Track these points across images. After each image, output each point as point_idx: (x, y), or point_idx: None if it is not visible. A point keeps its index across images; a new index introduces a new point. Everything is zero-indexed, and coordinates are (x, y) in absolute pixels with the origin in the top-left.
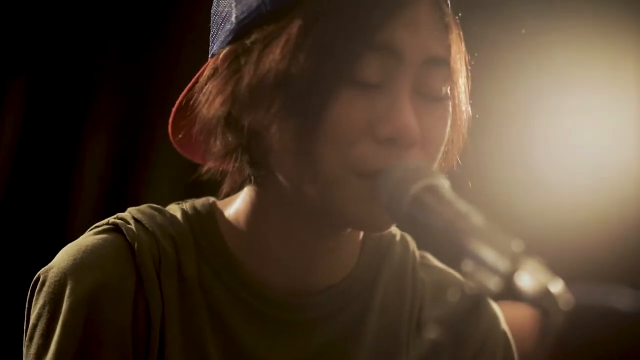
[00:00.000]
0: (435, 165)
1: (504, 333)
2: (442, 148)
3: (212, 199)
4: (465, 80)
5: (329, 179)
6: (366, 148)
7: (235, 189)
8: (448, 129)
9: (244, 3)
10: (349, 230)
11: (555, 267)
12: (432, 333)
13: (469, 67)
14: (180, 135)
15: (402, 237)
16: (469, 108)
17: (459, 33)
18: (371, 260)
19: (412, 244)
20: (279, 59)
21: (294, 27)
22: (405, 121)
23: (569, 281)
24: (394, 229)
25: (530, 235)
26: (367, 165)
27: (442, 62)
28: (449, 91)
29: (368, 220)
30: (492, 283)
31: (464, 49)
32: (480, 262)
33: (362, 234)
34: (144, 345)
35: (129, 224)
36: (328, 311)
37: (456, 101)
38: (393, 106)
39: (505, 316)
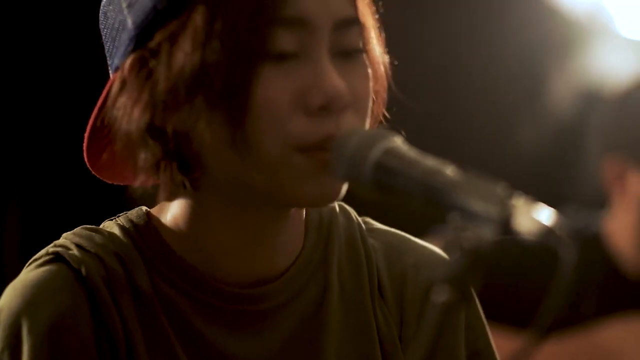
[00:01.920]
0: (367, 121)
1: None
2: (370, 103)
3: (144, 208)
4: (377, 31)
5: (271, 161)
6: (301, 121)
7: (170, 198)
8: (371, 83)
9: (138, 7)
10: (293, 210)
11: None
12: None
13: (378, 16)
14: (99, 160)
15: (342, 207)
16: (386, 58)
17: None
18: (318, 237)
19: (353, 212)
20: (192, 52)
21: (198, 16)
22: (334, 85)
23: None
24: None
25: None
26: (306, 138)
27: (353, 21)
28: (363, 46)
29: (318, 194)
30: (489, 233)
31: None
32: (470, 215)
33: (304, 213)
34: None
35: (70, 249)
36: (287, 296)
37: (372, 54)
38: (317, 73)
39: None
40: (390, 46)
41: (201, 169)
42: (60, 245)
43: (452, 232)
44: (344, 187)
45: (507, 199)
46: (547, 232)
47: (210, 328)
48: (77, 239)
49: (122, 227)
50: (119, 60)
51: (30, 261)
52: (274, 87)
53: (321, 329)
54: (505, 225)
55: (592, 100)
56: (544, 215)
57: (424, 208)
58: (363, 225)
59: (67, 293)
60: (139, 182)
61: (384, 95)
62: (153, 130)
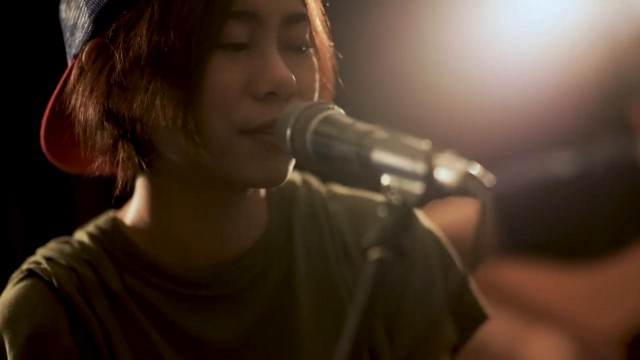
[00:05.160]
0: None
1: (429, 231)
2: (316, 93)
3: (112, 213)
4: (324, 25)
5: (219, 143)
6: (248, 107)
7: (129, 181)
8: (317, 76)
9: None
10: (250, 191)
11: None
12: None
13: (325, 11)
14: (57, 145)
15: (303, 179)
16: (332, 51)
17: None
18: (280, 212)
19: (314, 182)
20: (148, 38)
21: (154, 6)
22: (281, 73)
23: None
24: (292, 175)
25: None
26: (252, 123)
27: (301, 17)
28: (310, 40)
29: (264, 175)
30: (415, 188)
31: None
32: (397, 172)
33: (263, 192)
34: None
35: (41, 264)
36: (255, 274)
37: (320, 48)
38: (266, 63)
39: (446, 223)
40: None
41: (156, 151)
42: (33, 262)
43: (384, 191)
44: (290, 167)
45: (430, 153)
46: (467, 179)
47: (183, 316)
48: (48, 253)
49: (90, 235)
50: (77, 48)
51: (9, 280)
52: (224, 74)
53: (293, 300)
54: (429, 178)
55: None
56: (468, 165)
57: (360, 171)
58: (324, 194)
59: (42, 305)
60: (97, 167)
61: (330, 86)
62: (110, 114)
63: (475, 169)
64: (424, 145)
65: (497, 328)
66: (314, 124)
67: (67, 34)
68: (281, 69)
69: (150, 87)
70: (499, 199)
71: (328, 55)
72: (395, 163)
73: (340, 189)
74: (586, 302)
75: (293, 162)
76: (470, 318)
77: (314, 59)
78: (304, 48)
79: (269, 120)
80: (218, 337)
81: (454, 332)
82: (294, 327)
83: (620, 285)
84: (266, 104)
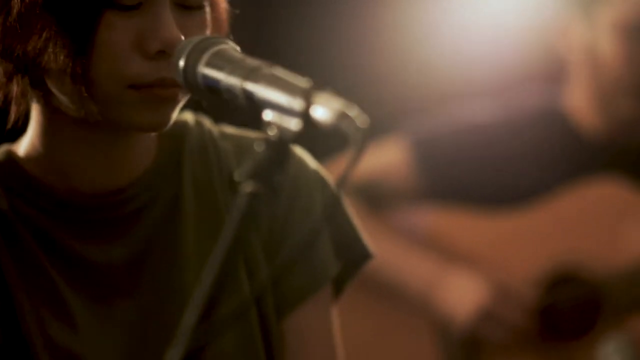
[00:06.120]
0: None
1: (316, 172)
2: None
3: (6, 146)
4: None
5: (106, 96)
6: (138, 65)
7: (22, 115)
8: (209, 32)
9: None
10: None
11: None
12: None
13: None
14: None
15: (196, 119)
16: (227, 6)
17: None
18: (170, 146)
19: (207, 122)
20: None
21: None
22: (170, 33)
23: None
24: (186, 115)
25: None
26: (142, 79)
27: None
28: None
29: (149, 123)
30: (292, 124)
31: None
32: (277, 108)
33: None
34: None
35: None
36: (142, 202)
37: (214, 4)
38: (157, 22)
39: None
40: None
41: (47, 87)
42: None
43: (264, 126)
44: (174, 114)
45: (309, 91)
46: (341, 117)
47: (71, 239)
48: None
49: None
50: None
51: None
52: (115, 31)
53: (179, 227)
54: (305, 115)
55: None
56: (344, 105)
57: (246, 106)
58: (216, 133)
59: None
60: None
61: None
62: (4, 53)
63: (352, 110)
64: (304, 83)
65: (415, 271)
66: (206, 56)
67: None
68: (172, 28)
69: (44, 35)
70: (422, 144)
71: (222, 10)
72: (276, 99)
73: (231, 130)
74: (506, 245)
75: (178, 108)
76: (353, 255)
77: (207, 17)
78: (197, 6)
79: (159, 78)
80: (105, 260)
81: (335, 264)
82: (180, 252)
83: (541, 229)
84: (156, 62)
